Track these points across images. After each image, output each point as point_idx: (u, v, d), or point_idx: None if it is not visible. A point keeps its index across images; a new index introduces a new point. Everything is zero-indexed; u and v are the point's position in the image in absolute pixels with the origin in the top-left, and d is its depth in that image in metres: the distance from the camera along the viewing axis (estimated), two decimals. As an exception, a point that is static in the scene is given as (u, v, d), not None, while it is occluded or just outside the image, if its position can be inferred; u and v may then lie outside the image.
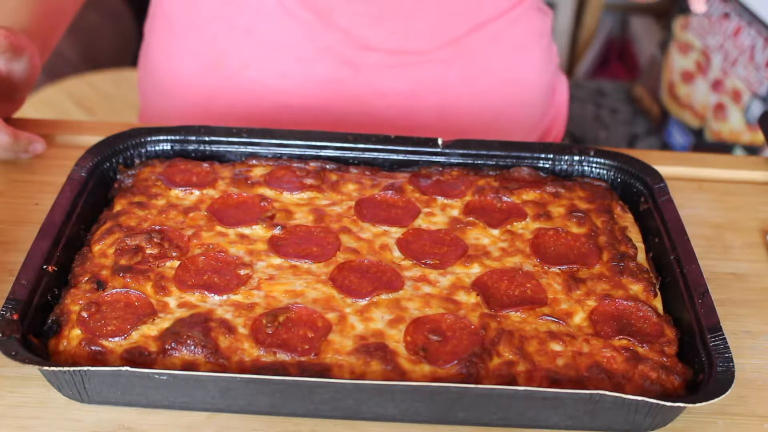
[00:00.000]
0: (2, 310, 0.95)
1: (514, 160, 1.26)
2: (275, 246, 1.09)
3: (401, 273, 1.06)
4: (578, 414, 0.93)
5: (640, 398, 0.89)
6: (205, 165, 1.23)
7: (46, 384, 0.97)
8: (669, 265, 1.09)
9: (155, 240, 1.08)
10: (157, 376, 0.90)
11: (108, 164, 1.22)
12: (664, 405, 0.90)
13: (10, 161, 1.33)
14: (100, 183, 1.20)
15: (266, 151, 1.26)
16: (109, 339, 0.96)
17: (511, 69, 1.54)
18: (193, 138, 1.27)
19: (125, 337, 0.96)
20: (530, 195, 1.20)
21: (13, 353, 0.90)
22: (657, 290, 1.07)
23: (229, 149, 1.27)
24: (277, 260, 1.08)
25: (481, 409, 0.94)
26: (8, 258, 1.14)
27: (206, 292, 1.02)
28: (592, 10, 3.49)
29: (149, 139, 1.26)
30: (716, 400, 0.90)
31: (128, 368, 0.89)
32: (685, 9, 2.81)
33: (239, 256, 1.08)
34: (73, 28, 2.84)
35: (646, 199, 1.20)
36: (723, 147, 2.72)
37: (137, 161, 1.25)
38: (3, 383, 0.98)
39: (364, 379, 0.93)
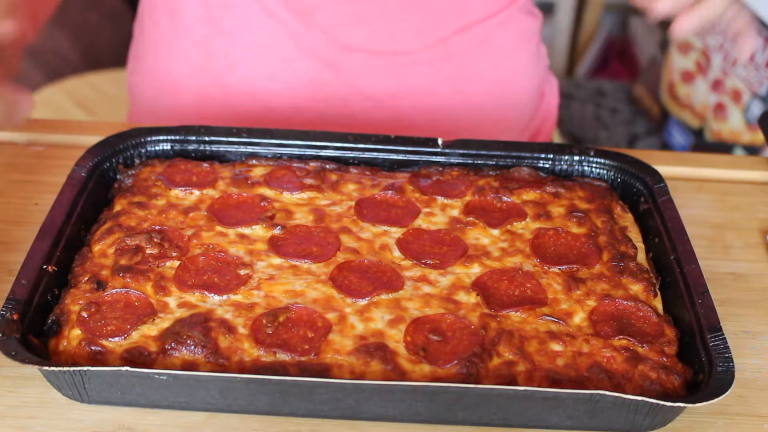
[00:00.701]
0: (2, 310, 0.95)
1: (514, 160, 1.26)
2: (275, 246, 1.09)
3: (401, 273, 1.06)
4: (578, 414, 0.93)
5: (640, 398, 0.89)
6: (205, 165, 1.23)
7: (46, 384, 0.97)
8: (669, 265, 1.09)
9: (155, 240, 1.08)
10: (157, 376, 0.90)
11: (108, 164, 1.22)
12: (664, 405, 0.90)
13: (10, 162, 1.33)
14: (100, 183, 1.20)
15: (266, 151, 1.26)
16: (109, 339, 0.96)
17: (499, 71, 1.53)
18: (193, 138, 1.27)
19: (125, 337, 0.96)
20: (530, 195, 1.20)
21: (13, 353, 0.90)
22: (657, 290, 1.07)
23: (229, 149, 1.27)
24: (277, 260, 1.08)
25: (481, 409, 0.94)
26: (8, 258, 1.14)
27: (206, 292, 1.02)
28: (592, 10, 3.49)
29: (149, 139, 1.26)
30: (716, 400, 0.90)
31: (128, 368, 0.89)
32: (685, 9, 2.80)
33: (239, 256, 1.08)
34: (73, 29, 2.84)
35: (646, 199, 1.20)
36: (723, 147, 2.72)
37: (137, 161, 1.25)
38: (3, 383, 0.98)
39: (364, 379, 0.93)
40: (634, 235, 1.16)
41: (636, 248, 1.13)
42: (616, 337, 0.99)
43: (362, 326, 0.99)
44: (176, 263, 1.06)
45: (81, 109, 2.50)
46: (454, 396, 0.92)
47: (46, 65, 2.79)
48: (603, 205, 1.19)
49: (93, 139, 1.25)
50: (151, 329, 0.97)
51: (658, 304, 1.06)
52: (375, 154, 1.27)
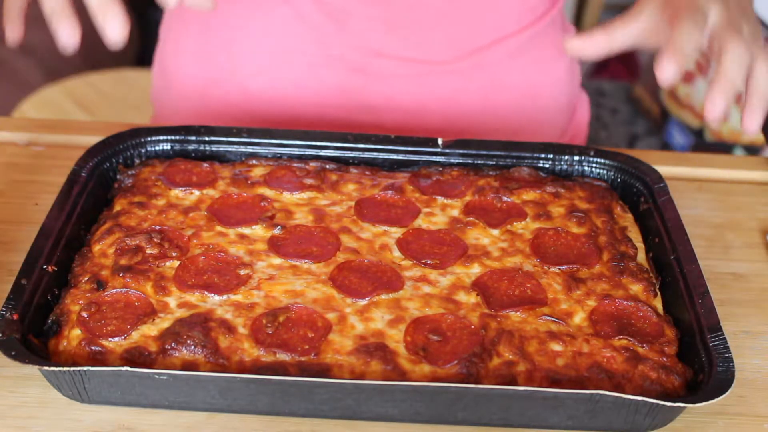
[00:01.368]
0: (2, 310, 0.95)
1: (514, 160, 1.26)
2: (275, 246, 1.09)
3: (401, 273, 1.06)
4: (578, 414, 0.93)
5: (640, 398, 0.89)
6: (205, 165, 1.23)
7: (46, 384, 0.97)
8: (669, 265, 1.09)
9: (155, 240, 1.08)
10: (157, 376, 0.90)
11: (108, 164, 1.22)
12: (664, 405, 0.90)
13: (10, 162, 1.33)
14: (100, 183, 1.20)
15: (266, 151, 1.26)
16: (109, 339, 0.96)
17: (531, 84, 1.50)
18: (193, 138, 1.27)
19: (125, 337, 0.96)
20: (530, 195, 1.20)
21: (13, 353, 0.90)
22: (657, 290, 1.07)
23: (229, 149, 1.27)
24: (277, 260, 1.08)
25: (481, 409, 0.94)
26: (8, 258, 1.14)
27: (206, 292, 1.02)
28: (592, 10, 3.49)
29: (149, 139, 1.26)
30: (716, 400, 0.90)
31: (128, 368, 0.89)
32: (685, 9, 2.80)
33: (239, 256, 1.08)
34: (73, 28, 2.84)
35: (646, 199, 1.20)
36: (723, 147, 2.72)
37: (137, 161, 1.25)
38: (3, 383, 0.98)
39: (364, 379, 0.93)
40: (634, 235, 1.16)
41: (636, 248, 1.13)
42: (616, 337, 0.99)
43: (362, 326, 0.99)
44: (176, 263, 1.06)
45: (81, 109, 2.50)
46: (454, 396, 0.92)
47: (46, 65, 2.79)
48: (603, 205, 1.19)
49: (93, 139, 1.25)
50: (151, 329, 0.97)
51: (658, 304, 1.06)
52: (375, 154, 1.27)
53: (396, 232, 1.14)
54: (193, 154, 1.27)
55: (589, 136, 2.92)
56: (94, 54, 2.88)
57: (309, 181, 1.20)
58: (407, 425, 0.96)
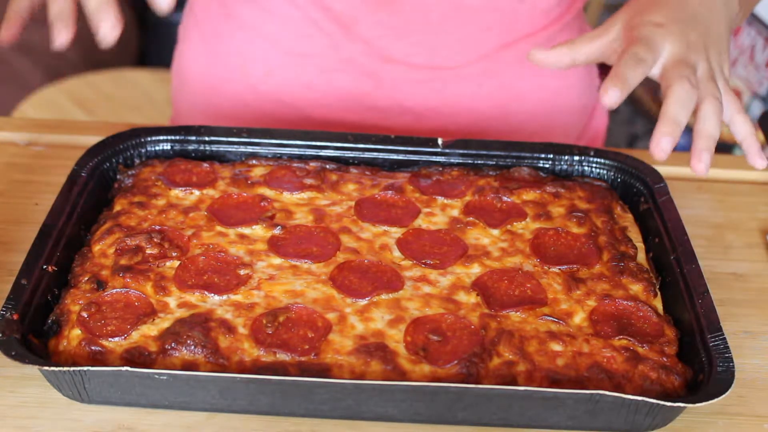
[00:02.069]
0: (2, 310, 0.95)
1: (514, 160, 1.26)
2: (275, 246, 1.09)
3: (401, 273, 1.06)
4: (578, 414, 0.93)
5: (640, 398, 0.89)
6: (205, 165, 1.23)
7: (46, 384, 0.97)
8: (669, 265, 1.09)
9: (155, 240, 1.08)
10: (157, 376, 0.90)
11: (108, 164, 1.22)
12: (664, 405, 0.90)
13: (10, 162, 1.33)
14: (100, 183, 1.20)
15: (266, 151, 1.26)
16: (109, 339, 0.96)
17: (544, 89, 1.48)
18: (193, 138, 1.27)
19: (125, 337, 0.96)
20: (530, 195, 1.20)
21: (13, 353, 0.90)
22: (657, 290, 1.07)
23: (229, 149, 1.27)
24: (277, 260, 1.08)
25: (481, 409, 0.94)
26: (8, 258, 1.14)
27: (206, 292, 1.02)
28: (592, 10, 3.48)
29: (149, 139, 1.26)
30: (716, 400, 0.90)
31: (128, 368, 0.89)
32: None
33: (239, 256, 1.08)
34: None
35: (646, 199, 1.20)
36: (723, 147, 2.72)
37: (137, 161, 1.25)
38: (3, 383, 0.98)
39: (364, 379, 0.93)
40: (634, 235, 1.16)
41: (636, 248, 1.13)
42: (616, 337, 0.99)
43: (362, 326, 0.99)
44: (176, 263, 1.06)
45: (81, 109, 2.50)
46: (454, 396, 0.92)
47: (46, 65, 2.79)
48: (603, 205, 1.19)
49: (93, 139, 1.25)
50: (151, 329, 0.97)
51: (658, 304, 1.06)
52: (375, 154, 1.27)
53: (396, 232, 1.14)
54: (193, 154, 1.27)
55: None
56: (94, 54, 2.88)
57: (309, 181, 1.20)
58: (407, 425, 0.96)
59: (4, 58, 2.75)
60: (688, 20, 1.06)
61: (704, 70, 1.04)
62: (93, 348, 0.95)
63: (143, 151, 1.26)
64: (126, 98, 2.58)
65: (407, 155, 1.27)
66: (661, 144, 0.99)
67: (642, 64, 1.01)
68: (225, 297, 1.02)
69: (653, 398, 0.90)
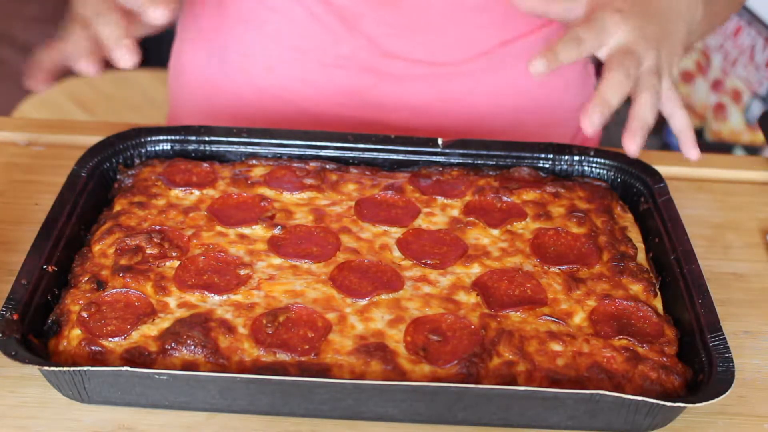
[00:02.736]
0: (2, 310, 0.95)
1: (514, 160, 1.26)
2: (275, 246, 1.09)
3: (401, 273, 1.06)
4: (578, 414, 0.93)
5: (640, 398, 0.89)
6: (205, 165, 1.23)
7: (46, 384, 0.97)
8: (669, 265, 1.09)
9: (155, 240, 1.08)
10: (157, 376, 0.90)
11: (108, 164, 1.22)
12: (664, 405, 0.90)
13: (10, 162, 1.33)
14: (100, 183, 1.20)
15: (266, 151, 1.26)
16: (109, 339, 0.96)
17: (541, 86, 1.49)
18: (193, 138, 1.27)
19: (125, 337, 0.96)
20: (530, 195, 1.20)
21: (13, 353, 0.90)
22: (657, 290, 1.07)
23: (229, 149, 1.27)
24: (277, 260, 1.08)
25: (481, 409, 0.94)
26: (8, 258, 1.14)
27: (206, 292, 1.02)
28: (592, 10, 3.48)
29: (149, 139, 1.26)
30: (716, 400, 0.90)
31: (128, 368, 0.89)
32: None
33: (239, 256, 1.08)
34: (73, 28, 2.84)
35: (646, 199, 1.20)
36: (723, 147, 2.72)
37: (137, 161, 1.25)
38: (3, 383, 0.98)
39: (364, 379, 0.93)
40: (634, 235, 1.16)
41: (636, 248, 1.13)
42: (616, 337, 0.99)
43: (362, 326, 0.99)
44: (176, 263, 1.06)
45: (81, 109, 2.50)
46: (454, 396, 0.92)
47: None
48: (603, 205, 1.19)
49: (93, 139, 1.25)
50: (151, 329, 0.97)
51: (658, 304, 1.06)
52: (375, 154, 1.27)
53: (396, 232, 1.14)
54: (193, 154, 1.27)
55: (589, 136, 2.92)
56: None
57: (309, 181, 1.20)
58: (407, 425, 0.96)
59: (4, 58, 2.75)
60: (649, 14, 1.10)
61: (650, 65, 1.07)
62: (93, 348, 0.95)
63: (143, 151, 1.26)
64: (126, 98, 2.58)
65: (407, 155, 1.27)
66: (593, 118, 1.03)
67: (579, 44, 1.05)
68: (225, 297, 1.02)
69: (653, 398, 0.90)
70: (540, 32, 1.45)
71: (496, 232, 1.14)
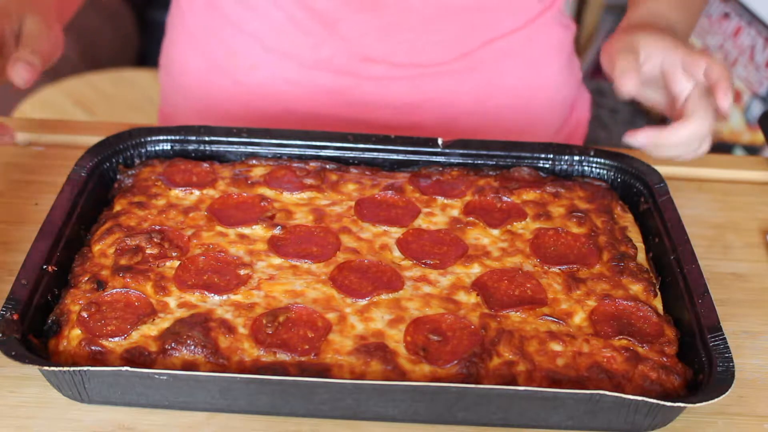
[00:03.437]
0: (2, 310, 0.95)
1: (514, 160, 1.26)
2: (275, 246, 1.09)
3: (401, 273, 1.06)
4: (578, 414, 0.93)
5: (640, 398, 0.89)
6: (205, 165, 1.23)
7: (46, 384, 0.97)
8: (669, 265, 1.09)
9: (155, 240, 1.08)
10: (157, 376, 0.90)
11: (108, 164, 1.22)
12: (664, 405, 0.90)
13: (10, 162, 1.33)
14: (100, 183, 1.20)
15: (266, 151, 1.26)
16: (109, 339, 0.96)
17: (524, 83, 1.50)
18: (193, 138, 1.27)
19: (125, 337, 0.96)
20: (530, 195, 1.20)
21: (13, 353, 0.90)
22: (657, 290, 1.07)
23: (229, 149, 1.27)
24: (277, 260, 1.07)
25: (481, 409, 0.94)
26: (8, 258, 1.14)
27: (206, 292, 1.02)
28: (592, 10, 3.48)
29: (149, 139, 1.26)
30: (716, 400, 0.90)
31: (128, 368, 0.89)
32: (685, 9, 2.80)
33: (239, 256, 1.08)
34: (73, 29, 2.84)
35: (646, 199, 1.20)
36: (723, 147, 2.72)
37: (137, 161, 1.25)
38: (3, 383, 0.98)
39: (364, 379, 0.93)
40: (634, 235, 1.16)
41: (636, 248, 1.13)
42: (616, 337, 0.99)
43: (362, 326, 0.99)
44: (176, 263, 1.06)
45: (81, 109, 2.50)
46: (454, 396, 0.92)
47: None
48: (603, 205, 1.19)
49: (93, 139, 1.25)
50: (151, 329, 0.97)
51: (658, 304, 1.05)
52: (375, 154, 1.27)
53: (396, 232, 1.14)
54: (193, 154, 1.27)
55: (589, 136, 2.92)
56: (93, 54, 2.89)
57: (309, 181, 1.20)
58: (407, 425, 0.96)
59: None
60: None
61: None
62: (93, 348, 0.95)
63: (143, 151, 1.26)
64: (126, 98, 2.58)
65: (407, 155, 1.27)
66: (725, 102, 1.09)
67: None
68: (225, 297, 1.02)
69: (653, 398, 0.90)
70: (523, 31, 1.46)
71: (496, 232, 1.14)
